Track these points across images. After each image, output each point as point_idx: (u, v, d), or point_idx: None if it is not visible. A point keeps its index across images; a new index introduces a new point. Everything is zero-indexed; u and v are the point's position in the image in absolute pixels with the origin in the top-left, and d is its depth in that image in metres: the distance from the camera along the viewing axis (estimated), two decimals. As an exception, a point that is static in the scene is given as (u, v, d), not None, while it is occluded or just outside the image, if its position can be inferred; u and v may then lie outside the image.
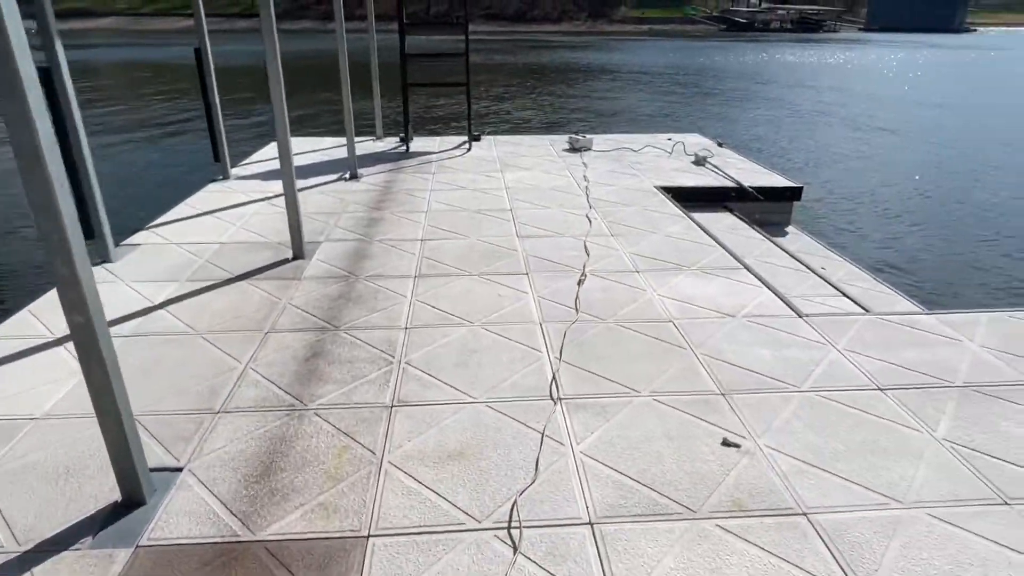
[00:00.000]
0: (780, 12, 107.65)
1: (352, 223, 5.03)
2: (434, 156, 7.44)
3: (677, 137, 8.56)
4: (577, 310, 3.57)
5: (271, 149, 7.57)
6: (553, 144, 8.15)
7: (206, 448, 2.44)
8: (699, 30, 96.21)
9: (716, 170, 6.81)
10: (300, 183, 5.98)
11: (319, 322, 3.42)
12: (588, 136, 7.92)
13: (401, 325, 3.39)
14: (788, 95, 23.09)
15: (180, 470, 2.32)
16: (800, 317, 3.55)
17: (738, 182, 6.30)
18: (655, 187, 6.18)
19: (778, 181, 6.44)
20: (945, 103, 21.31)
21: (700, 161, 7.12)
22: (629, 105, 19.09)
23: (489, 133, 8.80)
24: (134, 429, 2.10)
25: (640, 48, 51.60)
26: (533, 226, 5.00)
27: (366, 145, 7.95)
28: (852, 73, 32.05)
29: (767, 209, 6.25)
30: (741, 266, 4.27)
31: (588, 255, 4.39)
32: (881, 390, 2.87)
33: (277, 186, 5.35)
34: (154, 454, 2.40)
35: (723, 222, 5.87)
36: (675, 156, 7.49)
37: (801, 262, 5.02)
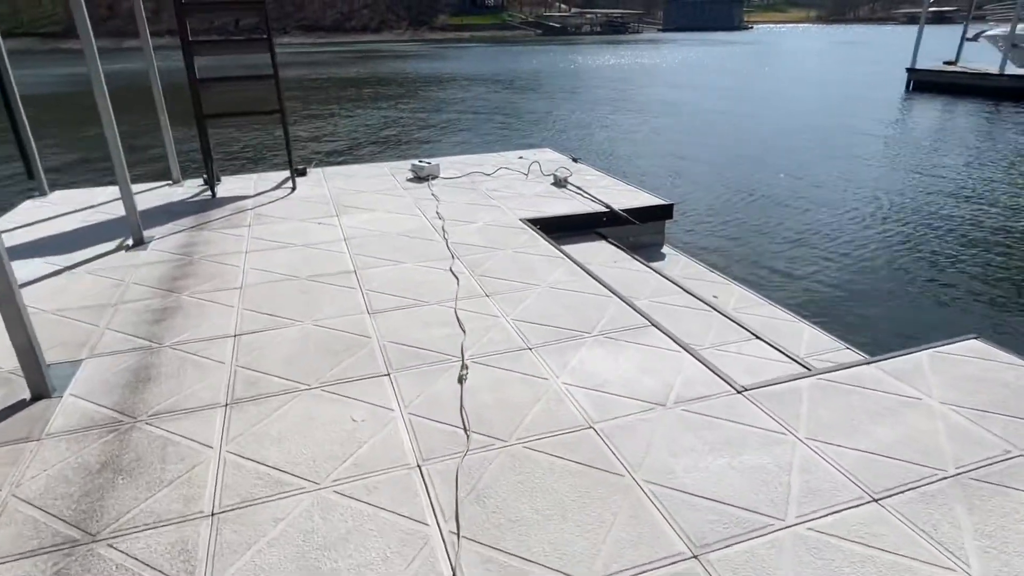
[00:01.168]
0: (589, 16, 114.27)
1: (132, 320, 3.64)
2: (249, 201, 6.07)
3: (529, 155, 7.87)
4: (466, 430, 2.60)
5: (26, 210, 5.76)
6: (394, 173, 7.09)
7: None
8: (517, 35, 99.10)
9: (579, 192, 6.16)
10: (54, 262, 4.41)
11: (63, 529, 2.13)
12: (433, 161, 6.96)
13: (203, 510, 2.20)
14: (623, 96, 23.79)
15: None
16: (740, 393, 2.86)
17: (608, 205, 5.67)
18: (521, 220, 5.36)
19: (647, 199, 5.91)
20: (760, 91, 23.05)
21: (560, 182, 6.45)
22: (467, 117, 18.40)
23: (317, 164, 7.53)
24: None
25: (466, 54, 51.56)
26: (387, 293, 3.94)
27: (161, 193, 6.36)
28: (678, 70, 34.10)
29: (639, 231, 5.70)
30: (647, 322, 3.54)
31: (464, 331, 3.43)
32: (877, 502, 2.21)
33: (32, 267, 3.70)
34: None
35: (602, 254, 5.19)
36: (532, 178, 6.76)
37: (695, 295, 4.44)
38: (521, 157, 7.74)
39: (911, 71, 22.27)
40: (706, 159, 13.15)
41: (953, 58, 23.07)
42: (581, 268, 4.33)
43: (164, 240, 4.98)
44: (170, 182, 6.72)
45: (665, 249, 5.83)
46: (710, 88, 25.93)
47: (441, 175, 6.88)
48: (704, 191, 10.65)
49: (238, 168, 11.78)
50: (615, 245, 5.41)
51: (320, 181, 6.79)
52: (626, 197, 5.99)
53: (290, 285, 4.08)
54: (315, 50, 62.83)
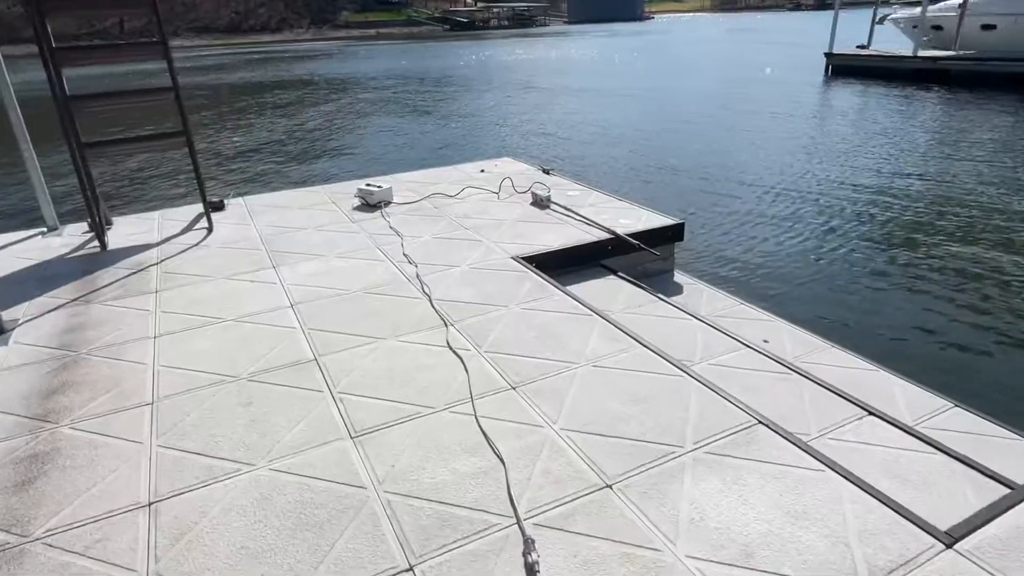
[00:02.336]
0: (495, 10, 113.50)
1: (-22, 486, 2.33)
2: (154, 252, 4.69)
3: (491, 167, 6.79)
4: None
5: None
6: (336, 199, 5.84)
7: None
8: (424, 31, 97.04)
9: (568, 213, 5.16)
10: None
11: None
12: (384, 183, 5.76)
13: None
14: (544, 89, 22.96)
15: None
16: (949, 547, 1.93)
17: (613, 231, 4.69)
18: (514, 259, 4.29)
19: (652, 219, 4.97)
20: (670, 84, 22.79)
21: (541, 202, 5.41)
22: (401, 124, 16.98)
23: (237, 194, 6.15)
24: None
25: (378, 53, 49.50)
26: (370, 396, 2.79)
27: (29, 248, 4.87)
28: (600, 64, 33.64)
29: (647, 257, 4.76)
30: (753, 418, 2.57)
31: (503, 462, 2.34)
32: None
33: None
34: None
35: (620, 295, 4.21)
36: (506, 197, 5.69)
37: (755, 348, 3.53)
38: (483, 171, 6.65)
39: (829, 56, 22.64)
40: (665, 157, 12.46)
41: (865, 42, 23.65)
42: (620, 330, 3.32)
43: (34, 325, 3.59)
44: (43, 231, 5.21)
45: (678, 277, 4.91)
46: (635, 81, 25.58)
47: (395, 199, 5.70)
48: (683, 195, 9.90)
49: (136, 204, 9.84)
50: (630, 282, 4.44)
51: (244, 216, 5.45)
52: (625, 216, 5.04)
53: (225, 394, 2.85)
54: (211, 53, 58.86)
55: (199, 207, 5.40)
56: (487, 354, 3.10)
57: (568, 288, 3.98)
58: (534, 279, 3.98)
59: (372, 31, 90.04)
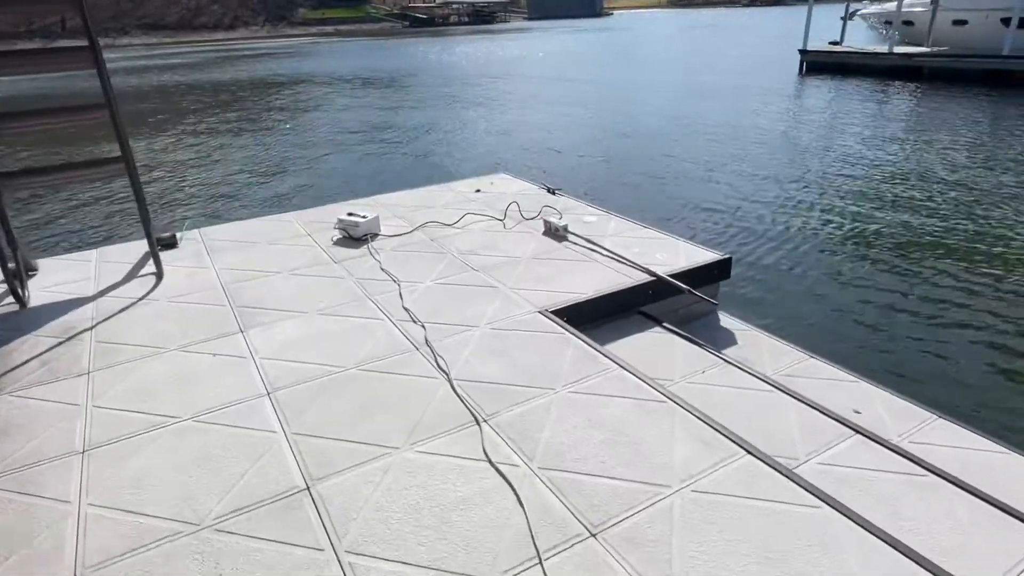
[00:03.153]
0: (455, 6, 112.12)
1: None
2: (87, 310, 3.76)
3: (486, 186, 5.97)
4: None
5: None
6: (311, 230, 4.95)
7: None
8: (384, 28, 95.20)
9: (591, 246, 4.39)
10: None
11: None
12: (368, 212, 4.90)
13: None
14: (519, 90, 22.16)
15: None
16: None
17: (652, 272, 3.93)
18: (542, 313, 3.50)
19: (696, 255, 4.23)
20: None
21: (555, 231, 4.63)
22: (373, 132, 15.94)
23: (190, 225, 5.20)
24: None
25: (338, 51, 47.97)
26: (393, 561, 1.97)
27: (-77, 307, 3.87)
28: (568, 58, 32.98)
29: (686, 298, 4.02)
30: (940, 582, 1.84)
31: None
32: None
33: None
34: None
35: (674, 357, 3.45)
36: (513, 225, 4.89)
37: (874, 438, 2.82)
38: (479, 191, 5.83)
39: (804, 52, 22.37)
40: (655, 162, 11.79)
41: (838, 38, 23.49)
42: (709, 425, 2.55)
43: (-87, 436, 2.65)
44: (-55, 281, 4.20)
45: (726, 321, 4.18)
46: (607, 79, 24.98)
47: (383, 230, 4.84)
48: (693, 205, 9.22)
49: (69, 240, 8.28)
50: (682, 336, 3.69)
51: (201, 256, 4.53)
52: (658, 248, 4.29)
53: (183, 557, 1.99)
54: (160, 52, 56.43)
55: (145, 246, 4.45)
56: (543, 472, 2.30)
57: (614, 351, 3.21)
58: (576, 344, 3.19)
59: (330, 28, 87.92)
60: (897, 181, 9.59)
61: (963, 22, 20.25)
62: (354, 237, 4.70)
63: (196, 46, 63.55)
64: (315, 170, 11.74)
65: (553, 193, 5.66)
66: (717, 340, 3.91)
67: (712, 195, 9.33)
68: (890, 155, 11.20)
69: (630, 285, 3.84)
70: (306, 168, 11.95)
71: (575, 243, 4.49)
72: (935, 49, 20.25)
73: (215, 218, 8.65)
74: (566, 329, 3.33)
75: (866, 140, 12.42)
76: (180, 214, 9.12)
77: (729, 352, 3.72)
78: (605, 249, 4.30)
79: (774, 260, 6.93)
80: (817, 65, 22.07)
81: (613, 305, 3.78)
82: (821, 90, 18.98)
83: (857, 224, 7.89)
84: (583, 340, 3.22)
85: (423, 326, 3.39)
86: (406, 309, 3.59)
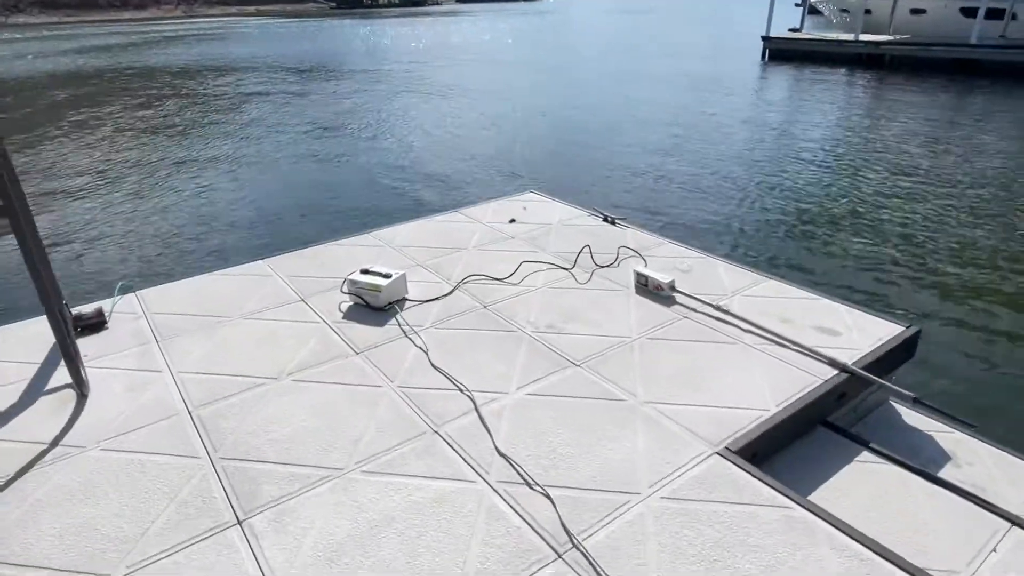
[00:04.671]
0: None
1: None
2: (-48, 479, 2.20)
3: (517, 210, 4.62)
4: None
5: None
6: (300, 287, 3.47)
7: None
8: (308, 9, 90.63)
9: (722, 315, 3.13)
10: None
11: None
12: (387, 267, 3.48)
13: None
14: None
15: None
16: None
17: (838, 362, 2.71)
18: (720, 455, 2.22)
19: (876, 327, 3.03)
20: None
21: (658, 290, 3.35)
22: (333, 132, 14.05)
23: (123, 288, 3.59)
24: None
25: (267, 34, 44.71)
26: None
27: None
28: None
29: (854, 389, 2.83)
30: None
31: None
32: None
33: None
34: None
35: (936, 513, 2.25)
36: (586, 277, 3.56)
37: None
38: (513, 220, 4.46)
39: (766, 40, 21.77)
40: (644, 157, 10.64)
41: (797, 25, 23.05)
42: None
43: None
44: None
45: (907, 416, 3.01)
46: (569, 67, 23.78)
47: (410, 293, 3.42)
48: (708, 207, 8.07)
49: None
50: (908, 468, 2.49)
51: (145, 345, 3.01)
52: (809, 313, 3.09)
53: None
54: (59, 34, 51.30)
55: (51, 336, 2.88)
56: None
57: (843, 513, 1.98)
58: (820, 528, 1.92)
59: (251, 8, 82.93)
60: None
61: (921, 11, 20.09)
62: (373, 306, 3.27)
63: (101, 27, 58.24)
64: (275, 188, 9.78)
65: (613, 223, 4.37)
66: (924, 452, 2.74)
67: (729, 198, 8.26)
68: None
69: (813, 386, 2.61)
70: (263, 185, 9.96)
71: (691, 307, 3.22)
72: (900, 37, 20.02)
73: (158, 272, 6.55)
74: (782, 492, 2.06)
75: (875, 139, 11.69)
76: (106, 270, 6.76)
77: (959, 476, 2.56)
78: (745, 321, 3.05)
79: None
80: (779, 53, 21.53)
81: (796, 421, 2.53)
82: (791, 79, 18.37)
83: None
84: (827, 522, 1.95)
85: (549, 497, 2.05)
86: (504, 456, 2.23)
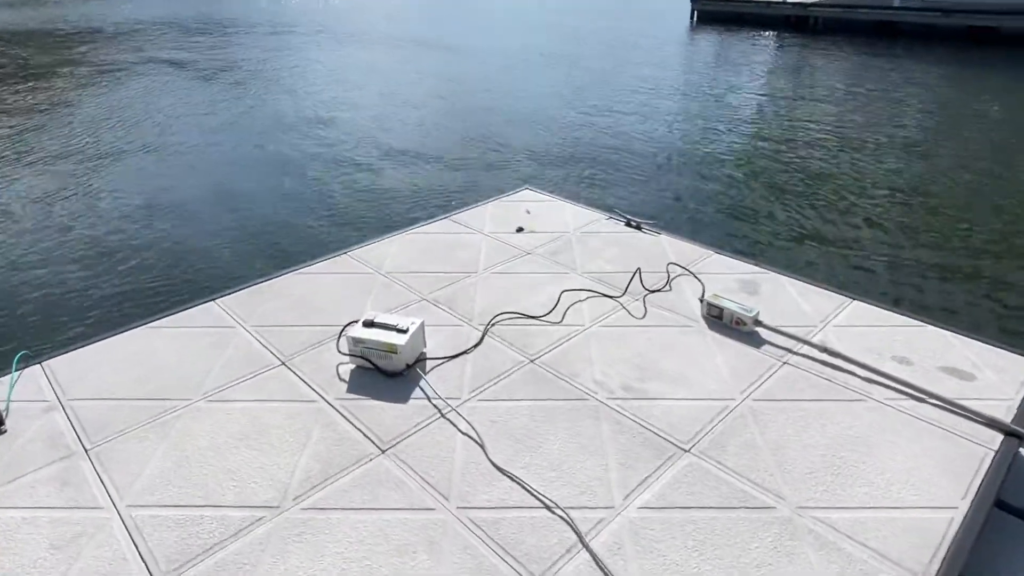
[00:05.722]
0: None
1: None
2: None
3: (525, 218, 3.85)
4: None
5: None
6: (272, 341, 2.61)
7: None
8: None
9: (836, 358, 2.55)
10: None
11: None
12: (388, 305, 2.67)
13: None
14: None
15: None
16: None
17: (1004, 424, 2.18)
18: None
19: (1004, 363, 2.53)
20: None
21: (738, 323, 2.72)
22: (229, 102, 12.47)
23: (23, 361, 2.60)
24: None
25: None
26: None
27: None
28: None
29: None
30: None
31: None
32: None
33: None
34: None
35: None
36: (635, 306, 2.88)
37: None
38: (521, 229, 3.71)
39: (695, 2, 21.44)
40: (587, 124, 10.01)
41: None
42: None
43: None
44: None
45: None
46: (497, 42, 22.70)
47: (429, 342, 2.64)
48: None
49: None
50: None
51: (64, 453, 2.10)
52: (913, 348, 2.56)
53: None
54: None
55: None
56: None
57: None
58: None
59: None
60: None
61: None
62: (387, 371, 2.46)
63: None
64: (195, 191, 8.41)
65: (640, 228, 3.69)
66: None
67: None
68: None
69: (986, 459, 2.07)
70: (180, 189, 8.54)
71: (782, 346, 2.62)
72: (827, -1, 20.18)
73: (67, 326, 4.95)
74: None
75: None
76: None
77: None
78: (863, 367, 2.47)
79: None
80: (709, 15, 21.29)
81: (984, 512, 1.98)
82: (715, 41, 18.15)
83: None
84: None
85: None
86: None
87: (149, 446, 2.14)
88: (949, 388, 2.36)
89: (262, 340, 2.70)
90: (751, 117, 10.34)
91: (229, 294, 3.08)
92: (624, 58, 15.36)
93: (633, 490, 1.95)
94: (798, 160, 8.10)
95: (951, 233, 6.10)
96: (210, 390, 2.41)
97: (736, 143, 8.96)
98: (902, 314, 2.85)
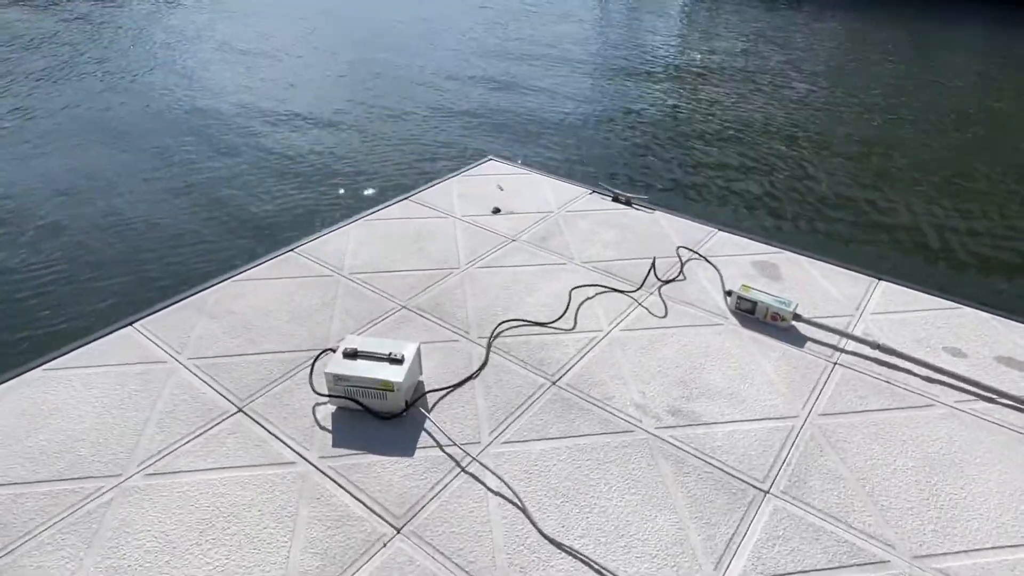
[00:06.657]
0: None
1: None
2: None
3: (507, 199, 3.36)
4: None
5: None
6: (225, 379, 2.04)
7: None
8: None
9: (892, 356, 2.27)
10: None
11: None
12: (366, 320, 2.15)
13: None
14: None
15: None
16: None
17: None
18: None
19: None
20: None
21: (776, 318, 2.40)
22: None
23: None
24: None
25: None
26: None
27: None
28: None
29: None
30: None
31: None
32: None
33: None
34: None
35: None
36: (658, 304, 2.50)
37: None
38: (499, 211, 3.21)
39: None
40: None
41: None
42: None
43: None
44: None
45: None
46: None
47: (423, 365, 2.14)
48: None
49: None
50: None
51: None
52: (961, 335, 2.35)
53: None
54: None
55: None
56: None
57: None
58: None
59: None
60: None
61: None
62: (382, 414, 1.96)
63: None
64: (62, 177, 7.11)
65: (630, 204, 3.29)
66: None
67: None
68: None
69: (1080, 471, 1.86)
70: (59, 177, 7.19)
71: (827, 343, 2.32)
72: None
73: None
74: None
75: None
76: None
77: None
78: (925, 366, 2.21)
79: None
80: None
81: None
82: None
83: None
84: None
85: None
86: None
87: (68, 561, 1.55)
88: (1012, 382, 2.15)
89: (205, 377, 2.11)
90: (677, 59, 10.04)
91: (149, 314, 2.43)
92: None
93: (722, 555, 1.59)
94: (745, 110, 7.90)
95: (944, 190, 6.07)
96: (146, 459, 1.82)
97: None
98: (934, 295, 2.62)
